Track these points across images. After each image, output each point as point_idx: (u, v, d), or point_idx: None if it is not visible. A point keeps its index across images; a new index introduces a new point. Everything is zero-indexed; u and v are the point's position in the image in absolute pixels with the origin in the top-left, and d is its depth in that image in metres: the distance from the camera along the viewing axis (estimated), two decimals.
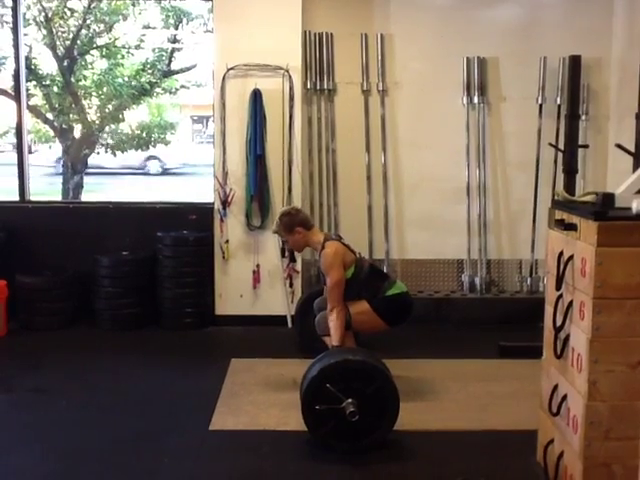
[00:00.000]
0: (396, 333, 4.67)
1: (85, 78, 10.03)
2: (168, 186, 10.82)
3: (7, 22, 8.33)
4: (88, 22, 9.70)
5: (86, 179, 10.09)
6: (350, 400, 3.62)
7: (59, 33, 9.63)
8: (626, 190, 2.95)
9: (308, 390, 3.70)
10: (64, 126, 9.94)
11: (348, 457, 3.62)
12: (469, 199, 6.11)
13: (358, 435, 3.67)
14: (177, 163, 16.99)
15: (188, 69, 10.64)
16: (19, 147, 6.24)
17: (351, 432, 3.65)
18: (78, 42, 9.72)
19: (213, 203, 5.91)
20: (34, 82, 9.50)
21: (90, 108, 10.20)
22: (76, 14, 9.56)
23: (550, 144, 5.79)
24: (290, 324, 5.82)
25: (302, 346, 5.13)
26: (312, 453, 3.68)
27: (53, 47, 9.54)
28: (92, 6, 9.47)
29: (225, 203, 5.82)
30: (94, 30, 9.90)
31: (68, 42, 9.64)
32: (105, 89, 9.99)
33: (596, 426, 2.88)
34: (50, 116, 9.88)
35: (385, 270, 5.92)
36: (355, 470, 3.54)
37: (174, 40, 10.36)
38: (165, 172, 16.81)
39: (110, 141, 10.62)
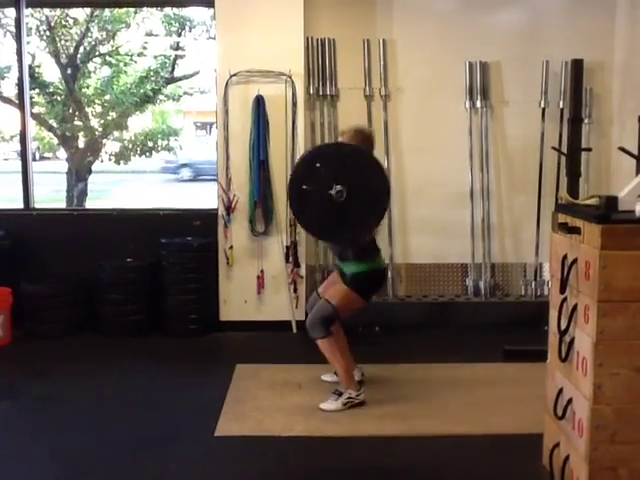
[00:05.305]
0: (401, 337, 4.67)
1: (88, 86, 10.06)
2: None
3: (10, 31, 8.36)
4: (91, 30, 9.73)
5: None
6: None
7: (62, 41, 9.66)
8: (629, 193, 2.96)
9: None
10: (67, 134, 9.96)
11: (350, 460, 3.61)
12: (472, 203, 6.11)
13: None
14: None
15: (191, 76, 10.67)
16: (23, 155, 6.27)
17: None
18: (81, 50, 9.76)
19: (217, 209, 5.92)
20: (37, 90, 9.53)
21: (94, 116, 10.23)
22: (79, 22, 9.59)
23: (553, 148, 5.79)
24: (295, 329, 5.83)
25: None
26: (318, 459, 3.68)
27: (56, 55, 9.57)
28: (95, 14, 9.50)
29: (229, 209, 5.83)
30: (97, 38, 9.93)
31: (71, 50, 9.68)
32: (107, 97, 10.02)
33: (602, 429, 2.88)
34: (54, 124, 9.90)
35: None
36: (360, 476, 3.54)
37: (177, 47, 10.38)
38: (196, 178, 16.88)
39: (114, 148, 10.65)
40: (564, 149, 5.68)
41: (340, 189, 3.81)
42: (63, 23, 9.54)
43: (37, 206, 6.41)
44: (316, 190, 3.77)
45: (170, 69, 10.41)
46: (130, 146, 10.61)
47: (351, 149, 4.07)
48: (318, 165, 3.74)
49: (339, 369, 4.32)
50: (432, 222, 6.15)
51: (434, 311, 6.12)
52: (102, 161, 10.64)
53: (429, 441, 3.85)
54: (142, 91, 10.10)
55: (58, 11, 9.32)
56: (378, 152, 5.99)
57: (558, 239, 3.26)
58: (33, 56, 9.41)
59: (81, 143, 10.17)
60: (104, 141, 10.49)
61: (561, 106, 5.98)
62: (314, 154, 3.91)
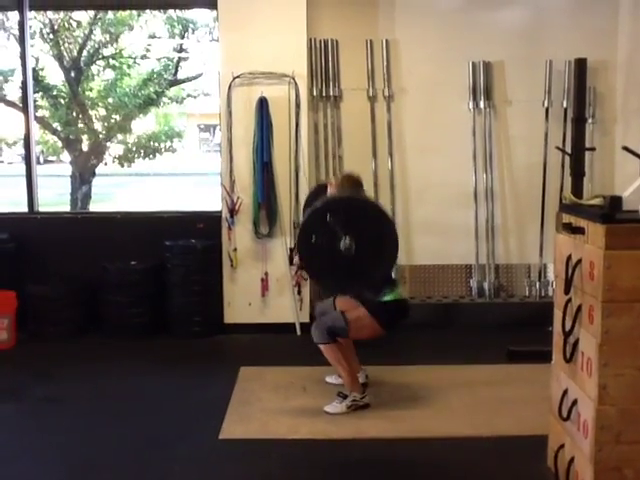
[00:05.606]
0: (405, 339, 4.66)
1: (91, 89, 10.09)
2: None
3: (14, 34, 8.38)
4: (94, 33, 9.75)
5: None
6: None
7: (65, 44, 9.68)
8: (634, 193, 2.94)
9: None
10: (71, 137, 9.98)
11: (355, 462, 3.60)
12: (476, 204, 6.10)
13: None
14: None
15: (194, 78, 10.68)
16: (27, 158, 6.27)
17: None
18: (84, 53, 9.78)
19: (221, 211, 5.92)
20: (41, 93, 9.56)
21: (97, 118, 10.25)
22: (82, 25, 9.62)
23: (557, 147, 5.78)
24: (299, 331, 5.82)
25: None
26: (322, 461, 3.67)
27: (60, 58, 9.60)
28: (98, 17, 9.52)
29: (233, 211, 5.83)
30: (100, 41, 9.96)
31: (75, 53, 9.70)
32: (111, 100, 10.04)
33: (607, 430, 2.87)
34: (58, 127, 9.93)
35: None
36: (364, 478, 3.53)
37: (180, 49, 10.39)
38: None
39: (118, 151, 10.68)
40: (568, 149, 5.67)
41: (349, 244, 3.82)
42: (66, 26, 9.57)
43: (41, 209, 6.44)
44: (325, 243, 3.78)
45: (173, 71, 10.43)
46: (134, 149, 10.64)
47: (362, 203, 4.13)
48: (329, 218, 3.76)
49: (342, 372, 4.31)
50: (436, 223, 6.14)
51: (438, 312, 6.11)
52: (106, 164, 10.67)
53: (433, 443, 3.84)
54: (145, 93, 10.12)
55: (61, 14, 9.34)
56: (382, 153, 6.06)
57: (562, 239, 3.25)
58: (37, 59, 9.45)
59: (85, 146, 10.20)
60: (108, 144, 10.52)
61: (564, 105, 5.97)
62: (325, 207, 3.91)
